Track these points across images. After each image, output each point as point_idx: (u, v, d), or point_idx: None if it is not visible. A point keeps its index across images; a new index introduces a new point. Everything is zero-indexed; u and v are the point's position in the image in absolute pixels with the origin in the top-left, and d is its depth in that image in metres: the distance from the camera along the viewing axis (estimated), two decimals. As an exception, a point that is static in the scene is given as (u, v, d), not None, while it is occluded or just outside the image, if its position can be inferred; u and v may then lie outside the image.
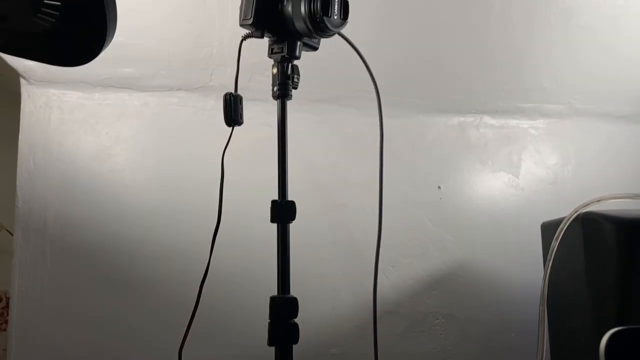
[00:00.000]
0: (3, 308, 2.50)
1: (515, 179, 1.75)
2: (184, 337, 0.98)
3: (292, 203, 0.97)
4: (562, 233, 1.18)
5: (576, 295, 1.20)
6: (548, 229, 1.37)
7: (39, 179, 1.40)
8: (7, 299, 1.80)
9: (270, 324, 0.93)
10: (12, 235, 1.44)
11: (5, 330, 1.67)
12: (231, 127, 0.97)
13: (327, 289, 1.57)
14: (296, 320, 0.93)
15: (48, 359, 1.35)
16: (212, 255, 1.02)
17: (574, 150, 1.80)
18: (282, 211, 0.96)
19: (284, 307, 0.93)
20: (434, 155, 1.71)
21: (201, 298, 1.03)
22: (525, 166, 1.76)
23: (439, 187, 1.70)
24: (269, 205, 0.97)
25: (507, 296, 1.67)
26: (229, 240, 1.39)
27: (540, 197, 1.75)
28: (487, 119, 1.75)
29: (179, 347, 1.01)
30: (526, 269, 1.66)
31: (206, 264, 1.02)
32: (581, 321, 1.19)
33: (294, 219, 0.97)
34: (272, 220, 0.97)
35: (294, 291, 0.96)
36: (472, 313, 1.65)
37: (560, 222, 1.21)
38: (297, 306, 0.94)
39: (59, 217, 1.40)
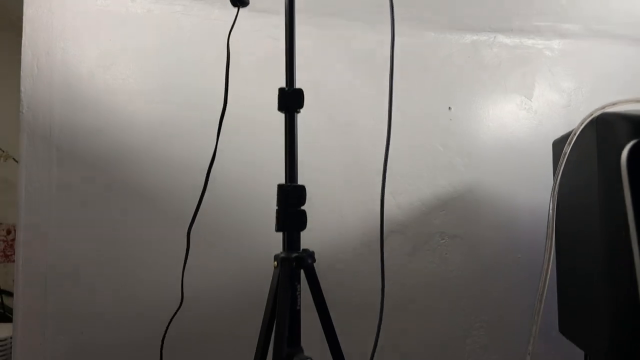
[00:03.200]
0: (12, 240, 2.54)
1: (527, 101, 1.71)
2: (192, 218, 0.97)
3: (300, 90, 0.95)
4: (575, 137, 1.15)
5: (587, 201, 1.17)
6: (560, 145, 1.33)
7: (42, 84, 1.37)
8: (15, 232, 1.80)
9: (278, 211, 0.92)
10: (17, 163, 1.42)
11: (14, 261, 1.68)
12: (237, 8, 0.94)
13: (334, 210, 1.56)
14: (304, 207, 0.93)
15: (58, 265, 1.36)
16: (217, 150, 1.01)
17: (589, 73, 1.75)
18: (290, 98, 0.94)
19: (292, 194, 0.92)
20: (445, 75, 1.67)
21: (205, 207, 1.02)
22: (539, 88, 1.72)
23: (450, 108, 1.66)
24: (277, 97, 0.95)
25: (515, 218, 1.66)
26: (236, 137, 1.38)
27: (552, 120, 1.72)
28: (502, 38, 1.70)
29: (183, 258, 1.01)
30: (535, 191, 1.65)
31: (210, 161, 1.00)
32: (591, 231, 1.17)
33: (301, 106, 0.95)
34: (280, 109, 0.95)
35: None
36: (479, 234, 1.64)
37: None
38: (305, 193, 0.93)
39: (64, 123, 1.38)
